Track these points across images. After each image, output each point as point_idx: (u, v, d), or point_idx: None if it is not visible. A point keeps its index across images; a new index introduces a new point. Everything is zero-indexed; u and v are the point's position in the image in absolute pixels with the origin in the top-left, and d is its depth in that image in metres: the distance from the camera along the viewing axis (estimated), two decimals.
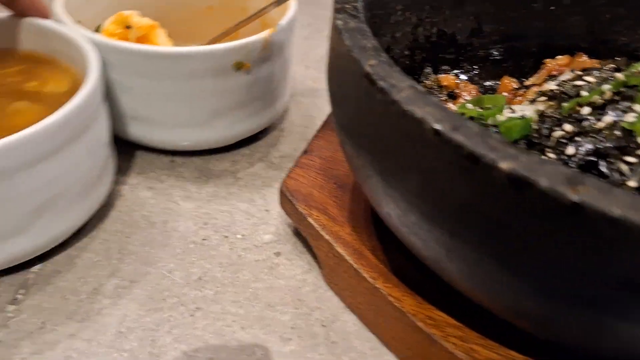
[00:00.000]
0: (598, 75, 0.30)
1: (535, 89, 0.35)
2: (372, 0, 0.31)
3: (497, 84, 0.41)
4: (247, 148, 0.43)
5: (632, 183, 0.25)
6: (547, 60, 0.41)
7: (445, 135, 0.19)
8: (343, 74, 0.25)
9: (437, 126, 0.19)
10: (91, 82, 0.32)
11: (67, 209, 0.32)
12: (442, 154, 0.20)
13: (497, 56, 0.42)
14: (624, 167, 0.25)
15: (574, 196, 0.17)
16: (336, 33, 0.25)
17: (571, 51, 0.42)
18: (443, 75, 0.39)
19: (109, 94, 0.37)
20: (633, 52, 0.41)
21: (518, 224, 0.19)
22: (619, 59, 0.36)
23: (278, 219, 0.37)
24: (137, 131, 0.40)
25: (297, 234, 0.36)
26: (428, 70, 0.39)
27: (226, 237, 0.35)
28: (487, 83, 0.42)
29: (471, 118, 0.33)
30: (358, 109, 0.24)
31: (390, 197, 0.24)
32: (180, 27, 0.45)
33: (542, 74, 0.41)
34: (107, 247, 0.34)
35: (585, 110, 0.27)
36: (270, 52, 0.39)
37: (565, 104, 0.28)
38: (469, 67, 0.42)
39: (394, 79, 0.22)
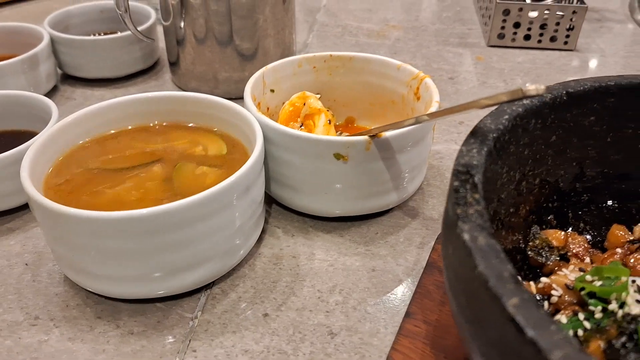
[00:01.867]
0: None
1: None
2: (484, 181, 0.30)
3: (606, 231, 0.39)
4: (341, 294, 0.43)
5: None
6: None
7: None
8: (476, 301, 0.24)
9: None
10: (257, 150, 0.41)
11: (232, 249, 0.41)
12: None
13: (602, 200, 0.40)
14: None
15: None
16: (464, 250, 0.24)
17: None
18: (551, 230, 0.37)
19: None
20: None
21: None
22: None
23: None
24: (277, 191, 0.49)
25: None
26: (535, 228, 0.38)
27: None
28: (596, 232, 0.40)
29: (593, 294, 0.32)
30: (500, 347, 0.22)
31: None
32: (370, 112, 0.59)
33: None
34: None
35: None
36: (374, 153, 0.45)
37: None
38: (574, 213, 0.40)
39: (543, 327, 0.20)
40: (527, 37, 0.85)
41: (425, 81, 0.52)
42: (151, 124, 0.49)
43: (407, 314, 0.36)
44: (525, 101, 0.35)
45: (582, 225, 0.40)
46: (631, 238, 0.37)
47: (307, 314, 0.41)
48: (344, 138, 0.44)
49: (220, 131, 0.48)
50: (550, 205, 0.39)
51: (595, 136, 0.39)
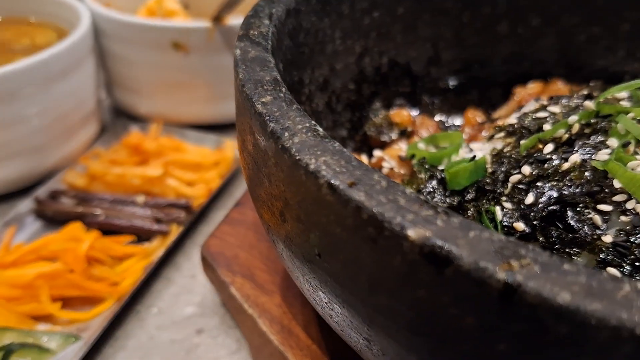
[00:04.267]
0: (566, 103, 0.25)
1: (499, 122, 0.30)
2: (296, 27, 0.27)
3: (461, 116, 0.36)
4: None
5: (607, 238, 0.20)
6: (517, 89, 0.36)
7: (342, 192, 0.14)
8: (240, 112, 0.20)
9: (333, 180, 0.14)
10: (77, 33, 0.37)
11: (47, 146, 0.37)
12: (340, 215, 0.15)
13: (459, 87, 0.38)
14: (597, 218, 0.20)
15: (505, 275, 0.12)
16: (235, 63, 0.21)
17: (544, 78, 0.37)
18: (395, 110, 0.34)
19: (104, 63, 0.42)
20: (612, 77, 0.37)
21: (437, 311, 0.14)
22: (593, 84, 0.32)
23: (206, 285, 0.32)
24: (120, 97, 0.45)
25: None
26: (377, 105, 0.34)
27: (138, 312, 0.30)
28: (450, 119, 0.37)
29: (423, 160, 0.29)
30: (253, 154, 0.19)
31: (297, 269, 0.18)
32: None
33: (511, 104, 0.36)
34: None
35: (548, 148, 0.22)
36: (218, 43, 0.40)
37: (524, 141, 0.23)
38: (428, 100, 0.37)
39: (290, 120, 0.17)
40: None
41: None
42: None
43: (237, 204, 0.33)
44: None
45: (436, 112, 0.37)
46: (481, 120, 0.34)
47: None
48: (182, 24, 0.39)
49: (52, 24, 0.43)
50: (401, 89, 0.36)
51: (448, 13, 0.36)
